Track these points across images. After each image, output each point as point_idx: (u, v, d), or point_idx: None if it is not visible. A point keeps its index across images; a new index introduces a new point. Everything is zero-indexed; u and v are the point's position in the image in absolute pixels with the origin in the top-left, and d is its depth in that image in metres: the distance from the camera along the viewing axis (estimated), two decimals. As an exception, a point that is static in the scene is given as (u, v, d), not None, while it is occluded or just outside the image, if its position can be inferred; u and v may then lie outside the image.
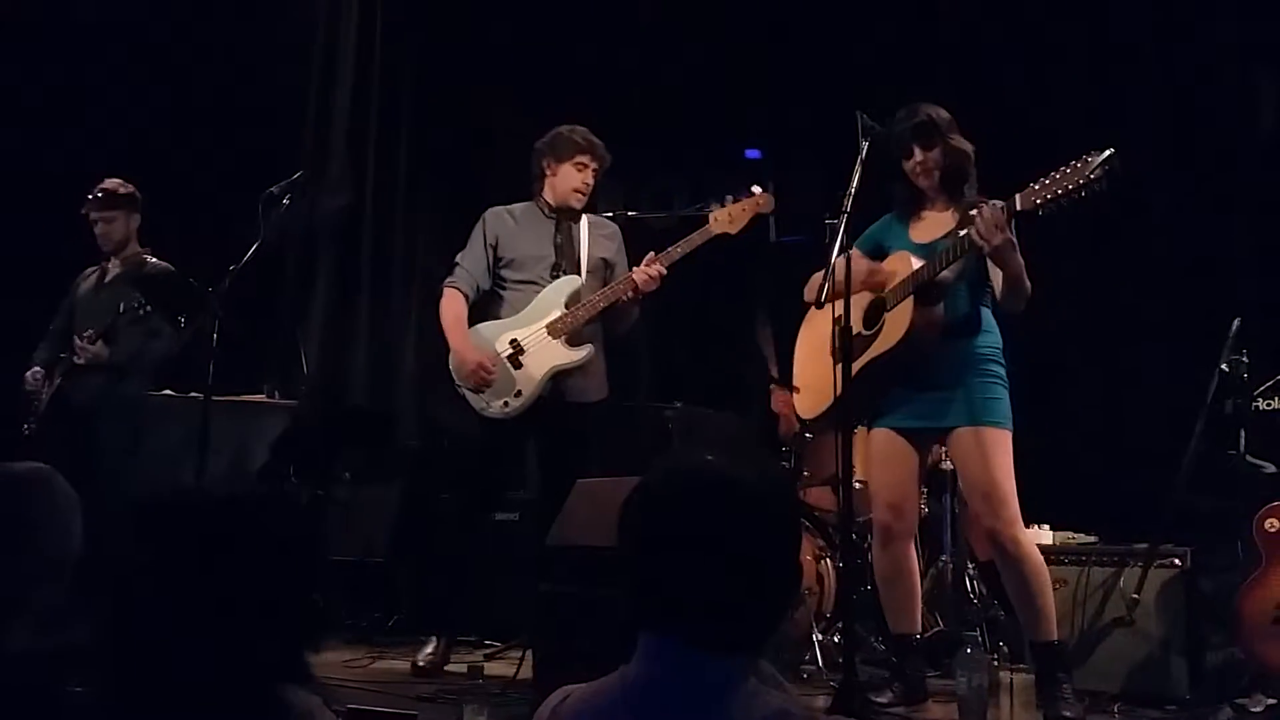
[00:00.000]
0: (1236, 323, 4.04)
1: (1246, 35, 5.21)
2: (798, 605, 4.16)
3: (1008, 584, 3.61)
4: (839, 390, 3.52)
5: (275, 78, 6.39)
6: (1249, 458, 4.07)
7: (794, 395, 4.00)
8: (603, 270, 4.41)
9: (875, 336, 3.65)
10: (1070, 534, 4.18)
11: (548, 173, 4.41)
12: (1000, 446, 3.54)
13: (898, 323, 3.58)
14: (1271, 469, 4.03)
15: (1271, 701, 3.68)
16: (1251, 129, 5.18)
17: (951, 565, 4.57)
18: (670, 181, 5.88)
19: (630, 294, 4.26)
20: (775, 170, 5.00)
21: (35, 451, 4.28)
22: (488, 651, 4.62)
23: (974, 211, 3.47)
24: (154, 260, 5.00)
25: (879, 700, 3.62)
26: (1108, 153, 3.19)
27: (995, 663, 3.85)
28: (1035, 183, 3.30)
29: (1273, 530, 3.77)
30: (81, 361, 4.75)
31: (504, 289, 4.39)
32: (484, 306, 4.44)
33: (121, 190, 4.99)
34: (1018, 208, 3.33)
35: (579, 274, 4.36)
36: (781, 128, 5.82)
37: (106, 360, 4.76)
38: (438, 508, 5.20)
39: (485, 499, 4.46)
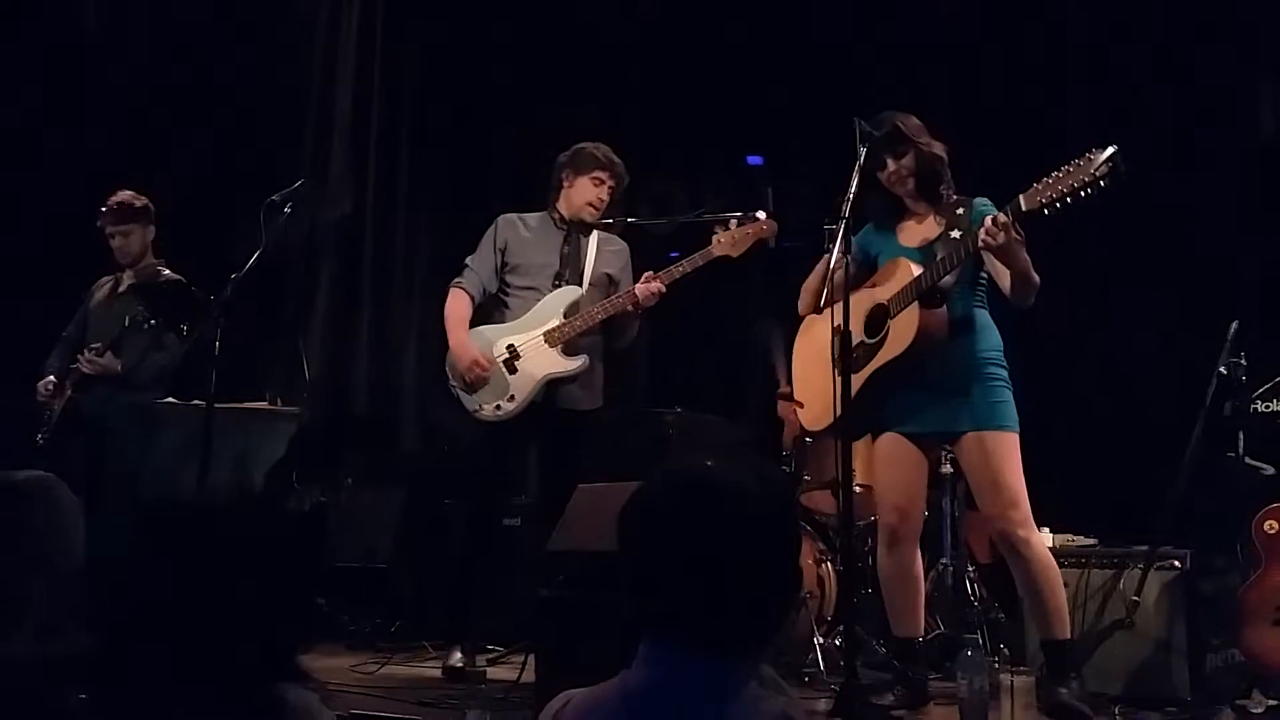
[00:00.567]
0: (1234, 325, 4.05)
1: (1249, 38, 5.22)
2: (798, 609, 4.17)
3: (1020, 584, 3.62)
4: (844, 393, 3.51)
5: (276, 85, 6.41)
6: (1248, 460, 4.07)
7: (797, 409, 3.99)
8: (606, 285, 4.46)
9: (880, 344, 3.65)
10: (1070, 536, 4.19)
11: (565, 184, 4.48)
12: (1009, 449, 3.55)
13: (904, 329, 3.58)
14: (1270, 471, 4.04)
15: (1272, 702, 3.68)
16: (1252, 131, 5.19)
17: (952, 568, 4.58)
18: (670, 187, 5.88)
19: (630, 308, 4.31)
20: (774, 175, 5.00)
21: (48, 462, 4.28)
22: (490, 656, 4.63)
23: (960, 211, 3.49)
24: (168, 272, 5.02)
25: (881, 703, 3.62)
26: (1111, 150, 3.19)
27: (996, 665, 3.86)
28: (1039, 182, 3.30)
29: (1272, 532, 3.77)
30: (89, 371, 4.76)
31: (507, 294, 4.44)
32: (486, 310, 4.48)
33: (137, 203, 5.01)
34: (1024, 208, 3.32)
35: (581, 285, 4.40)
36: (780, 133, 5.83)
37: (115, 371, 4.78)
38: (438, 513, 5.21)
39: (486, 503, 4.47)
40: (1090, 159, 3.20)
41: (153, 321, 4.67)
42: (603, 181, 4.45)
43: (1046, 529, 4.19)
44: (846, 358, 3.56)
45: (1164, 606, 3.86)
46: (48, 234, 5.52)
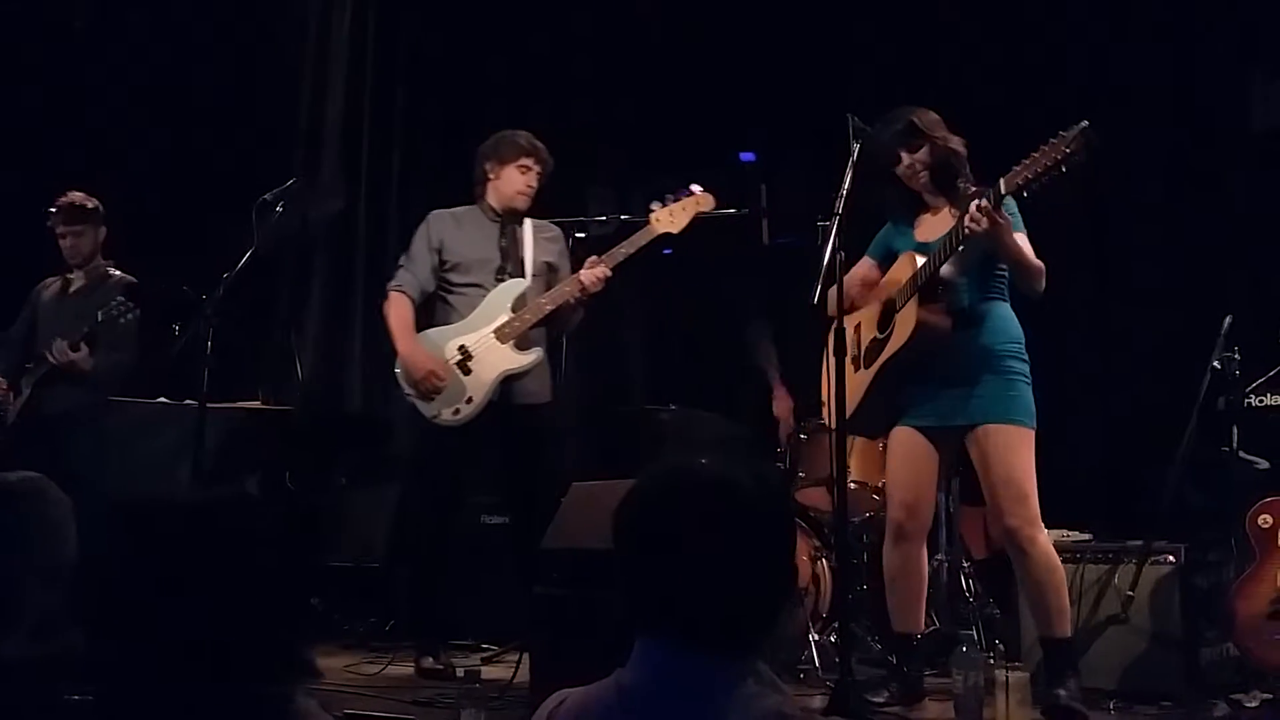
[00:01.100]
0: (1228, 320, 4.06)
1: (1241, 34, 5.23)
2: (794, 606, 4.17)
3: (1022, 581, 3.62)
4: (852, 395, 3.60)
5: (268, 83, 6.40)
6: (1241, 454, 4.08)
7: (822, 409, 3.99)
8: (546, 273, 4.42)
9: (887, 339, 3.67)
10: (1065, 532, 4.19)
11: (490, 176, 4.42)
12: (1019, 444, 3.53)
13: (905, 322, 3.60)
14: (1264, 465, 4.05)
15: (1266, 696, 3.69)
16: (1245, 125, 5.20)
17: (947, 564, 4.58)
18: (664, 184, 5.88)
19: (577, 296, 4.27)
20: (768, 173, 5.00)
21: (6, 462, 4.26)
22: (485, 655, 4.63)
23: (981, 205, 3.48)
24: (118, 273, 5.00)
25: (875, 699, 3.63)
26: (1082, 125, 3.21)
27: (991, 661, 3.86)
28: (1017, 164, 3.34)
29: (1265, 526, 3.78)
30: (59, 363, 4.70)
31: (449, 293, 4.38)
32: (428, 310, 4.42)
33: (88, 204, 4.99)
34: (1003, 191, 3.36)
35: (524, 277, 4.36)
36: (774, 130, 5.83)
37: (85, 368, 4.74)
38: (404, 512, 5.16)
39: (445, 504, 4.39)
40: (1063, 136, 3.23)
41: (132, 313, 4.64)
42: (529, 168, 4.39)
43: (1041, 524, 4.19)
44: (841, 353, 3.58)
45: (1158, 601, 3.86)
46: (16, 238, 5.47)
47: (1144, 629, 3.85)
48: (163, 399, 4.91)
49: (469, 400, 4.23)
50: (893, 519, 3.73)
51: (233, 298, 4.32)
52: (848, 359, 3.66)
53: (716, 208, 4.57)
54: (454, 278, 4.37)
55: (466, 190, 4.58)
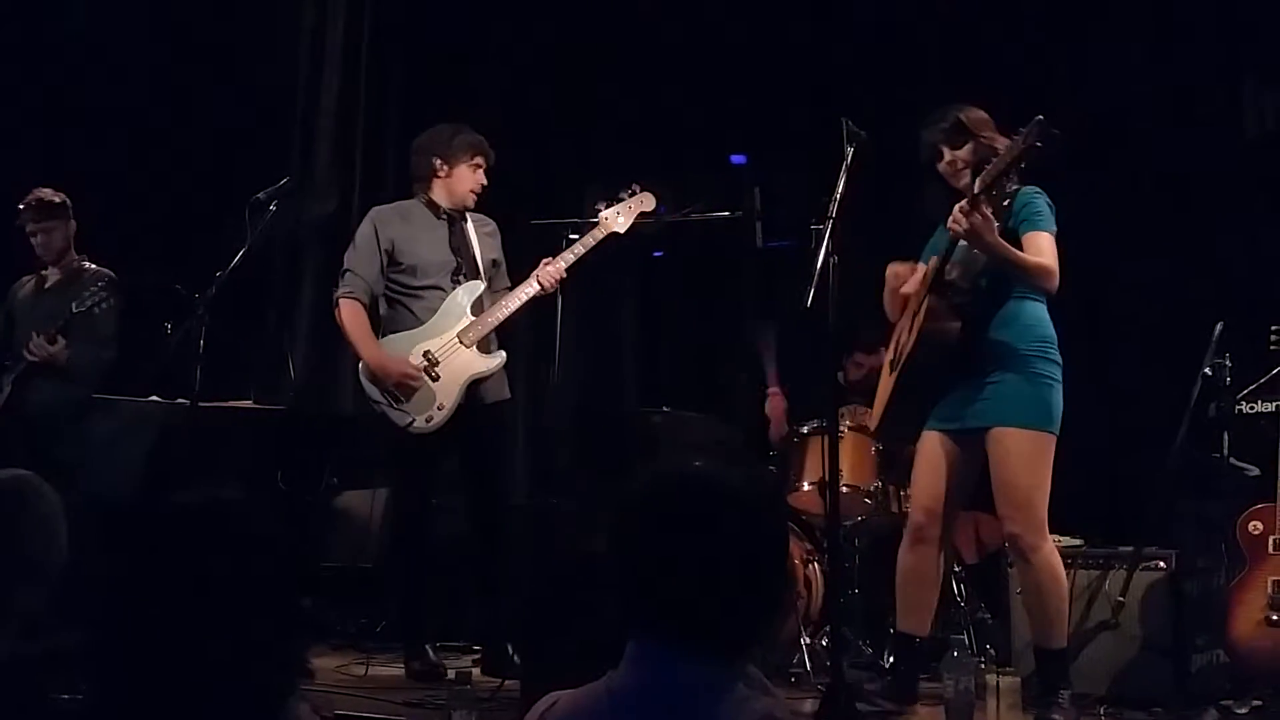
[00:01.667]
0: (1219, 327, 4.07)
1: (1235, 36, 5.24)
2: (785, 609, 4.17)
3: (1022, 588, 3.62)
4: (884, 399, 3.66)
5: (261, 83, 6.38)
6: (1232, 460, 4.09)
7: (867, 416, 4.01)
8: (492, 270, 4.40)
9: (909, 343, 3.69)
10: (1056, 537, 4.19)
11: (439, 174, 4.33)
12: (1027, 448, 3.48)
13: (916, 325, 3.61)
14: (1255, 471, 4.05)
15: (1257, 703, 3.69)
16: (1237, 130, 5.21)
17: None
18: (656, 186, 5.88)
19: (537, 296, 4.25)
20: (761, 176, 5.00)
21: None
22: (475, 657, 4.62)
23: (1006, 203, 3.45)
24: (92, 266, 4.98)
25: (869, 686, 3.63)
26: (1037, 120, 3.25)
27: (982, 666, 3.86)
28: (988, 165, 3.40)
29: (1256, 532, 3.79)
30: (37, 358, 4.70)
31: (404, 295, 4.29)
32: (381, 312, 4.35)
33: (56, 199, 4.97)
34: (976, 191, 3.39)
35: (480, 277, 4.33)
36: (767, 133, 5.83)
37: (63, 361, 4.73)
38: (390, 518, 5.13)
39: (419, 507, 4.36)
40: (1022, 132, 3.28)
41: (102, 306, 4.63)
42: (480, 165, 4.34)
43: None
44: (828, 357, 3.58)
45: (1150, 607, 3.87)
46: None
47: (1135, 635, 3.86)
48: (154, 397, 4.90)
49: (440, 407, 4.19)
50: (912, 522, 3.72)
51: (225, 297, 4.31)
52: (886, 362, 3.68)
53: (710, 210, 4.57)
54: (408, 280, 4.28)
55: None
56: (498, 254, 4.45)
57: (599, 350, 6.10)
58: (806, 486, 4.59)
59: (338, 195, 6.31)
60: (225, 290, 4.28)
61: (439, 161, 4.33)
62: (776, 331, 5.28)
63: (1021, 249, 3.49)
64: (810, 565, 4.44)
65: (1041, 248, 3.50)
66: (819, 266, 3.54)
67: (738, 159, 6.04)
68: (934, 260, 3.64)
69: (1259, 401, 4.08)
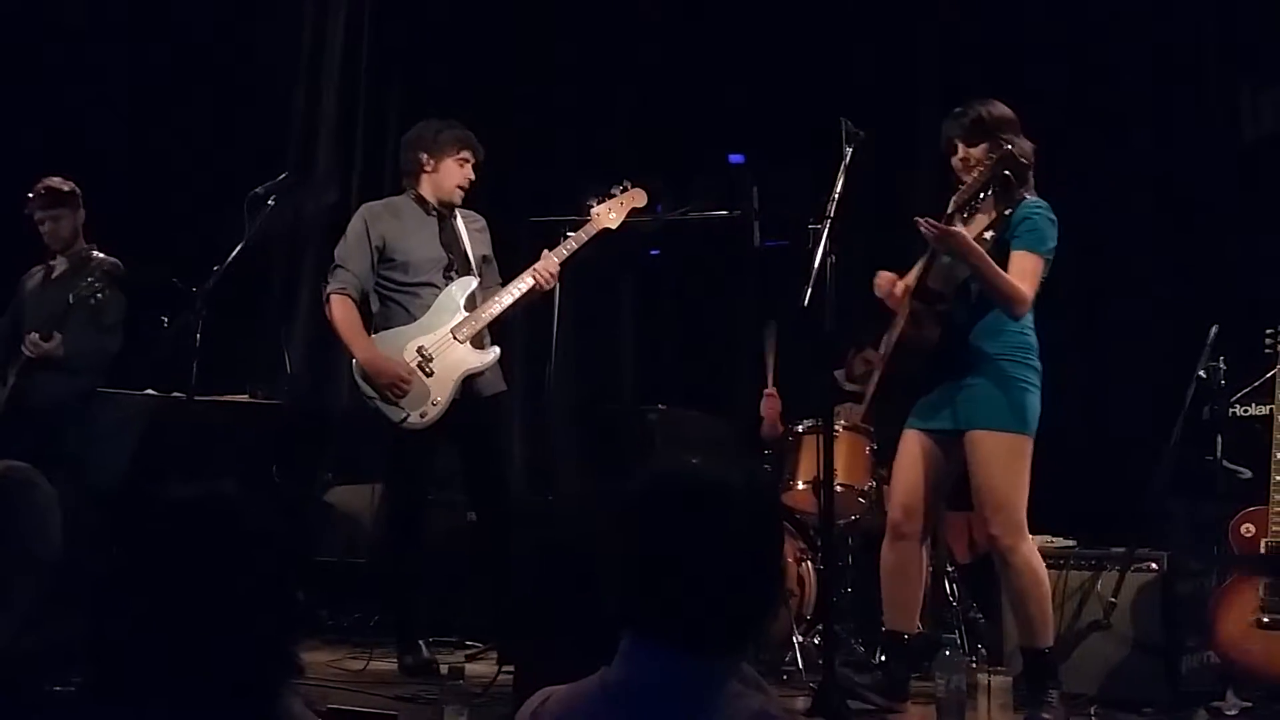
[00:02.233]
0: (1214, 330, 4.08)
1: (1231, 42, 5.25)
2: (778, 607, 4.18)
3: (1004, 589, 3.63)
4: (823, 394, 3.65)
5: (262, 77, 6.38)
6: (1225, 463, 4.11)
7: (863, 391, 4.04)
8: (483, 266, 4.40)
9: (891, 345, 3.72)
10: (1048, 538, 4.21)
11: (426, 169, 4.33)
12: (1004, 451, 3.51)
13: (898, 326, 3.63)
14: (1247, 474, 4.07)
15: (1246, 705, 3.71)
16: (1234, 135, 5.21)
17: (931, 568, 4.58)
18: (653, 185, 5.88)
19: (534, 291, 4.24)
20: (760, 175, 5.00)
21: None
22: (469, 652, 4.63)
23: (1008, 212, 3.45)
24: (100, 255, 4.95)
25: (860, 679, 3.64)
26: (1005, 148, 3.41)
27: (973, 665, 3.88)
28: (961, 184, 3.51)
29: (1248, 535, 3.80)
30: (33, 356, 4.68)
31: (397, 291, 4.29)
32: (373, 308, 4.35)
33: (65, 187, 4.94)
34: (949, 210, 3.46)
35: (471, 273, 4.33)
36: (765, 133, 5.84)
37: (60, 355, 4.71)
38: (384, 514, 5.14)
39: (413, 502, 4.37)
40: (992, 157, 3.42)
41: (98, 296, 4.62)
42: (467, 160, 4.33)
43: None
44: (827, 359, 3.59)
45: (1141, 608, 3.88)
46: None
47: (1126, 636, 3.87)
48: (150, 391, 4.90)
49: (434, 403, 4.18)
50: (891, 519, 3.75)
51: (222, 291, 4.31)
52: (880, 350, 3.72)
53: (709, 209, 4.58)
54: (400, 276, 4.27)
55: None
56: (488, 250, 4.45)
57: (596, 348, 6.10)
58: (801, 485, 4.60)
59: (336, 190, 6.31)
60: (222, 284, 4.28)
61: (425, 156, 4.33)
62: (776, 331, 5.29)
63: (1008, 263, 3.51)
64: (804, 564, 4.45)
65: (1025, 269, 3.49)
66: (816, 266, 3.55)
67: (736, 158, 6.04)
68: (917, 266, 3.65)
69: (1252, 404, 4.09)
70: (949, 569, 4.62)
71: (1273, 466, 3.78)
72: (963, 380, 3.58)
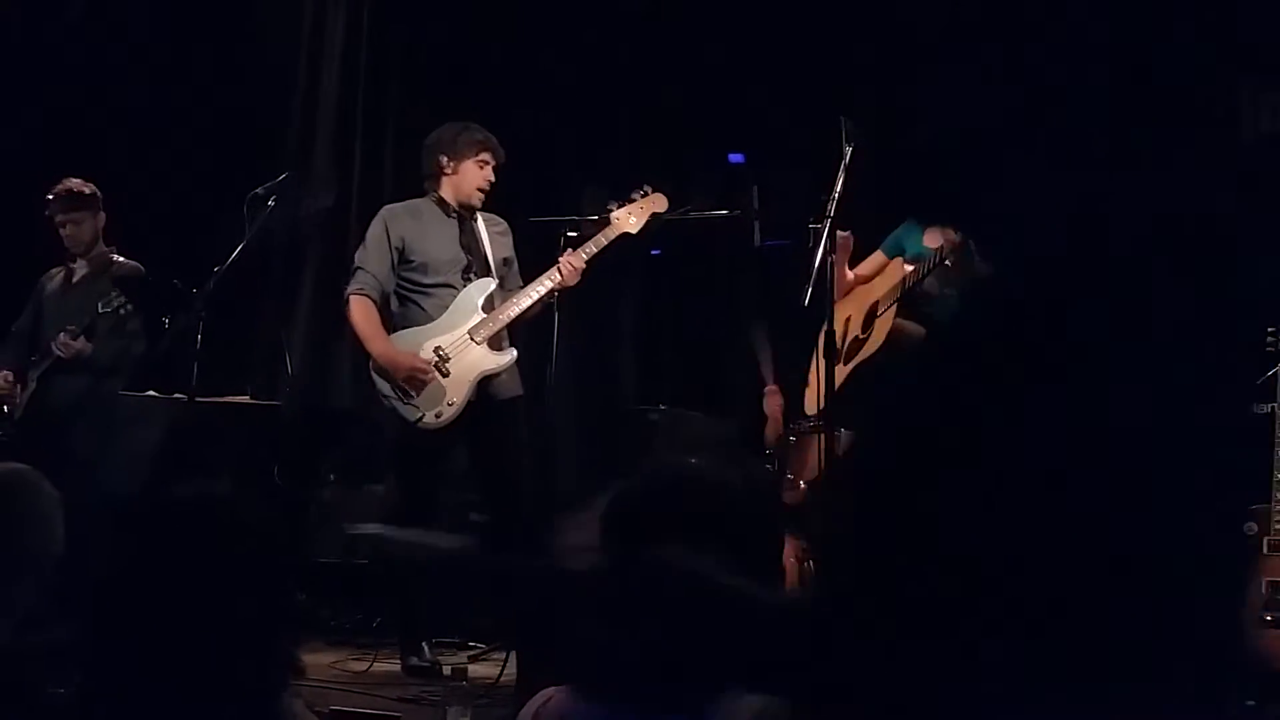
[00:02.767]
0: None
1: (1234, 39, 5.24)
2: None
3: None
4: (828, 389, 3.58)
5: (261, 77, 6.38)
6: (1227, 462, 4.10)
7: (805, 391, 4.03)
8: (503, 269, 4.40)
9: (866, 340, 3.71)
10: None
11: (446, 171, 4.33)
12: None
13: (882, 328, 3.64)
14: (1249, 473, 4.06)
15: (1250, 704, 3.70)
16: (1233, 133, 5.21)
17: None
18: (654, 184, 5.87)
19: (555, 291, 4.25)
20: (760, 175, 5.00)
21: (14, 456, 4.23)
22: (471, 653, 4.63)
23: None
24: (121, 259, 4.92)
25: None
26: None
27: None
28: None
29: (1251, 534, 3.79)
30: (65, 356, 4.66)
31: (415, 292, 4.30)
32: (391, 309, 4.36)
33: (85, 190, 4.88)
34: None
35: (490, 275, 4.33)
36: (766, 132, 5.83)
37: (88, 358, 4.70)
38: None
39: (425, 503, 4.39)
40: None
41: (129, 306, 4.60)
42: (487, 163, 4.33)
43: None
44: (831, 355, 3.59)
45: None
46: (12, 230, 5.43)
47: (1128, 634, 3.87)
48: (151, 392, 4.89)
49: (450, 403, 4.19)
50: None
51: (223, 292, 4.31)
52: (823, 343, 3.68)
53: (709, 209, 4.57)
54: (419, 278, 4.29)
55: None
56: (509, 253, 4.45)
57: (597, 348, 6.10)
58: (802, 484, 4.59)
59: (336, 190, 6.31)
60: (223, 285, 4.28)
61: (445, 159, 4.33)
62: (770, 330, 5.28)
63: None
64: (806, 563, 4.44)
65: None
66: (817, 265, 3.55)
67: (736, 158, 6.04)
68: (900, 264, 3.65)
69: (1254, 403, 4.09)
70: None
71: (1275, 465, 3.78)
72: None
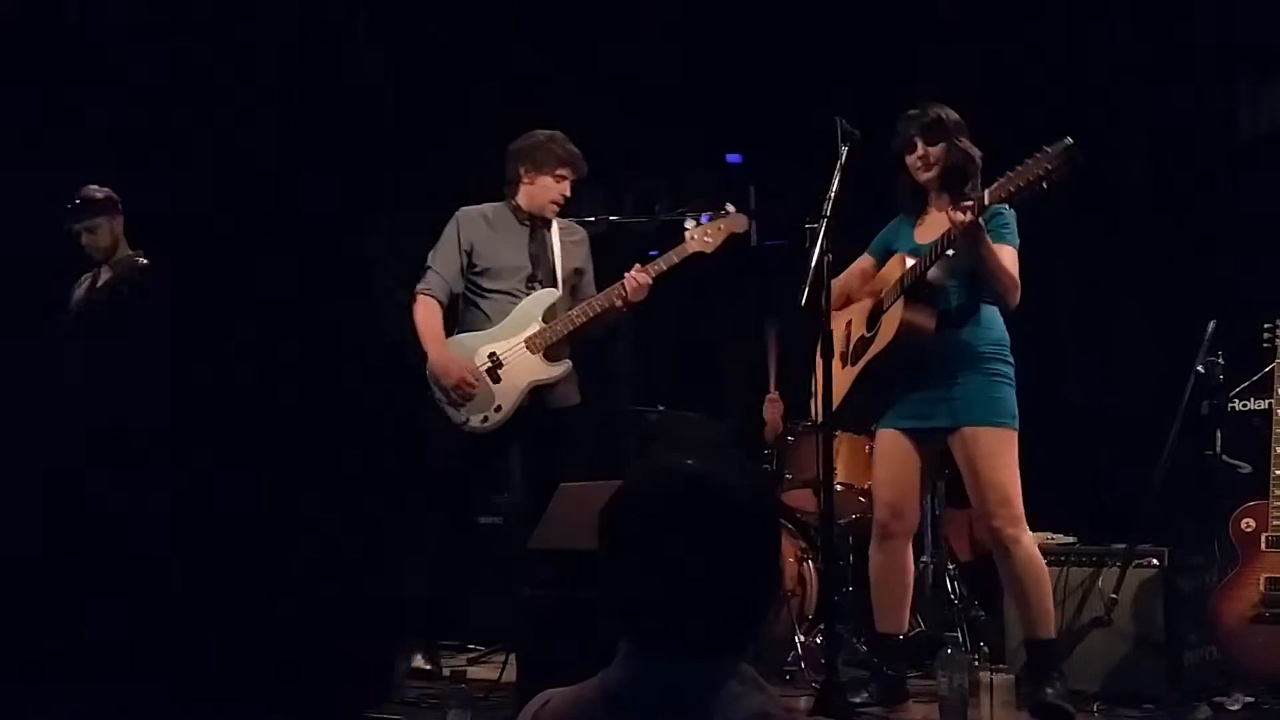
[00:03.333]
0: (1212, 324, 4.09)
1: (1228, 38, 5.25)
2: (779, 607, 4.18)
3: (1006, 582, 3.65)
4: (838, 391, 3.64)
5: (259, 78, 6.38)
6: (1225, 458, 4.11)
7: (810, 403, 4.02)
8: (574, 280, 4.40)
9: (873, 339, 3.70)
10: (1049, 534, 4.21)
11: (524, 180, 4.35)
12: (1002, 445, 3.57)
13: (891, 322, 3.63)
14: (1247, 469, 4.07)
15: (1248, 700, 3.71)
16: (1231, 131, 5.22)
17: (932, 565, 4.60)
18: (652, 186, 5.88)
19: (620, 304, 4.25)
20: (756, 174, 5.01)
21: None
22: (471, 655, 4.63)
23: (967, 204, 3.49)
24: (144, 261, 4.84)
25: (855, 699, 3.65)
26: (1066, 142, 3.26)
27: (976, 663, 3.88)
28: (1003, 176, 3.37)
29: (1249, 530, 3.80)
30: None
31: (479, 296, 4.33)
32: (455, 311, 4.39)
33: (99, 195, 4.80)
34: (986, 202, 3.39)
35: (556, 285, 4.34)
36: (762, 132, 5.84)
37: None
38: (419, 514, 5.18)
39: (463, 507, 4.42)
40: (1046, 152, 3.28)
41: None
42: (565, 177, 4.34)
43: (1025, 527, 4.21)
44: (829, 355, 3.60)
45: (1142, 604, 3.88)
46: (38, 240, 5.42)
47: (1127, 632, 3.88)
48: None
49: (498, 409, 4.21)
50: (878, 519, 3.76)
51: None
52: (836, 355, 3.69)
53: (708, 208, 4.57)
54: (484, 282, 4.32)
55: (458, 190, 4.55)
56: (582, 263, 4.44)
57: (595, 349, 6.10)
58: (801, 485, 4.61)
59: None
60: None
61: (524, 169, 4.34)
62: (780, 330, 5.28)
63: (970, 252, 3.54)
64: (804, 563, 4.45)
65: (1008, 260, 3.56)
66: (814, 265, 3.56)
67: (733, 158, 6.05)
68: (903, 258, 3.65)
69: (1251, 399, 4.10)
70: (950, 567, 4.63)
71: (1272, 461, 3.79)
72: (948, 377, 3.61)
